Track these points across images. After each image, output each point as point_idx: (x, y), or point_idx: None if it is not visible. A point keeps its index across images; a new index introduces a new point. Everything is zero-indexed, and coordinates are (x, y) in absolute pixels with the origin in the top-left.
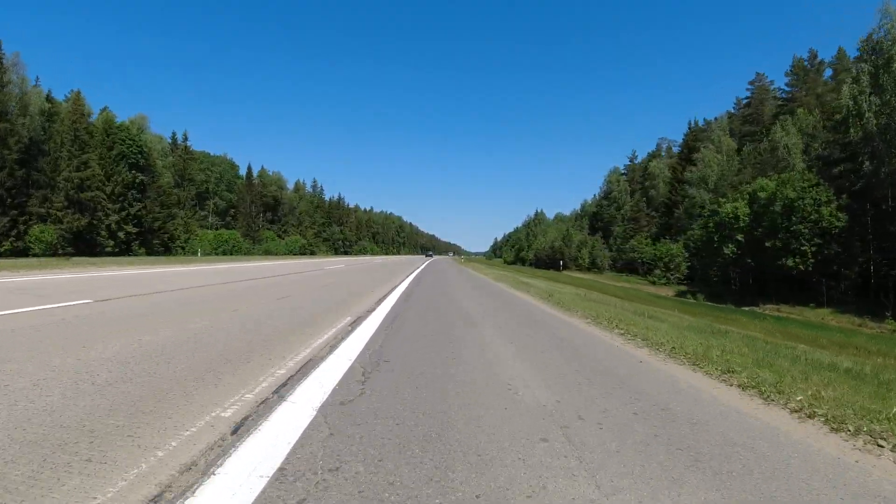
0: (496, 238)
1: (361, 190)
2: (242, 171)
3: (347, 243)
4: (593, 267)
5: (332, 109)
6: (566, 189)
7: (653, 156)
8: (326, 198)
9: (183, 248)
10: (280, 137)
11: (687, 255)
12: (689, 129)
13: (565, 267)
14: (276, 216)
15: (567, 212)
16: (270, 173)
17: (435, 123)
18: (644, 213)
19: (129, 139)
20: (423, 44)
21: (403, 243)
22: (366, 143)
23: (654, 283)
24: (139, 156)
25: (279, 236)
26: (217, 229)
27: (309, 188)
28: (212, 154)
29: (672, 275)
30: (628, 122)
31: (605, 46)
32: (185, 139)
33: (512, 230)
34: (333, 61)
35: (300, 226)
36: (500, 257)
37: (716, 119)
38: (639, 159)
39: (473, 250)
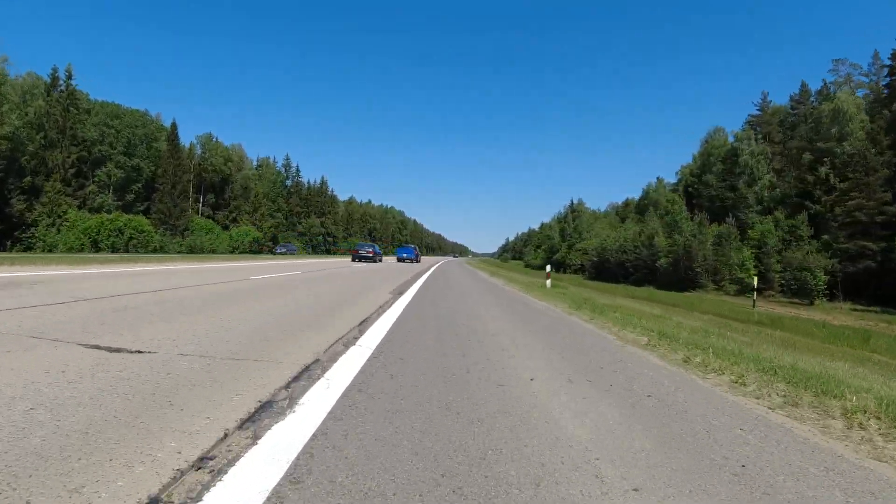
0: (507, 238)
1: (367, 187)
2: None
3: (331, 239)
4: (765, 287)
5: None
6: (585, 187)
7: (797, 101)
8: (306, 182)
9: (43, 239)
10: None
11: None
12: None
13: (691, 284)
14: (221, 199)
15: (599, 207)
16: (228, 146)
17: (439, 121)
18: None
19: None
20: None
21: (406, 241)
22: (364, 139)
23: None
24: None
25: (225, 227)
26: (110, 212)
27: (280, 167)
28: (125, 107)
29: None
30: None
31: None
32: (69, 76)
33: (525, 230)
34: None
35: (254, 213)
36: (517, 259)
37: None
38: (772, 105)
39: (480, 251)
